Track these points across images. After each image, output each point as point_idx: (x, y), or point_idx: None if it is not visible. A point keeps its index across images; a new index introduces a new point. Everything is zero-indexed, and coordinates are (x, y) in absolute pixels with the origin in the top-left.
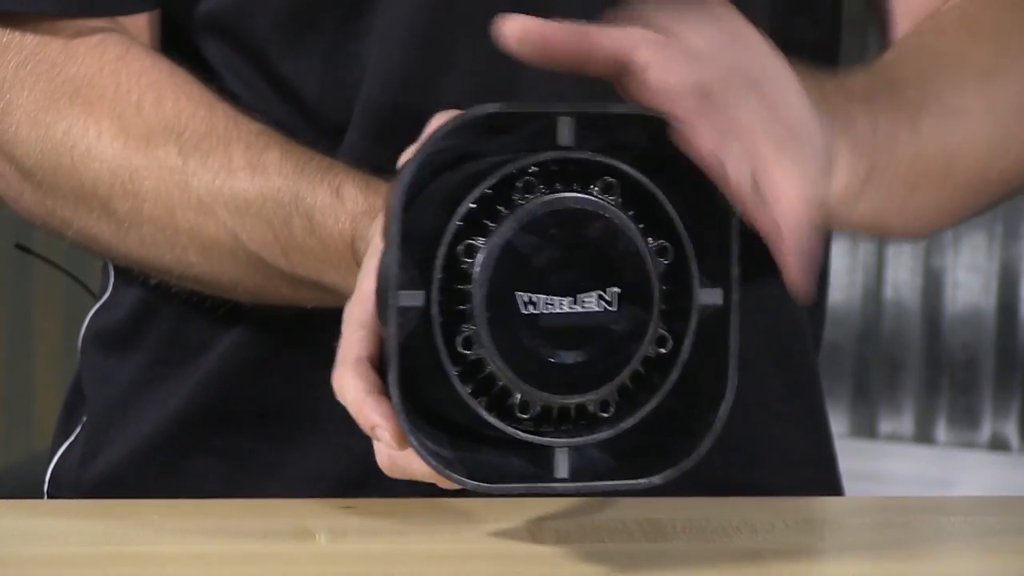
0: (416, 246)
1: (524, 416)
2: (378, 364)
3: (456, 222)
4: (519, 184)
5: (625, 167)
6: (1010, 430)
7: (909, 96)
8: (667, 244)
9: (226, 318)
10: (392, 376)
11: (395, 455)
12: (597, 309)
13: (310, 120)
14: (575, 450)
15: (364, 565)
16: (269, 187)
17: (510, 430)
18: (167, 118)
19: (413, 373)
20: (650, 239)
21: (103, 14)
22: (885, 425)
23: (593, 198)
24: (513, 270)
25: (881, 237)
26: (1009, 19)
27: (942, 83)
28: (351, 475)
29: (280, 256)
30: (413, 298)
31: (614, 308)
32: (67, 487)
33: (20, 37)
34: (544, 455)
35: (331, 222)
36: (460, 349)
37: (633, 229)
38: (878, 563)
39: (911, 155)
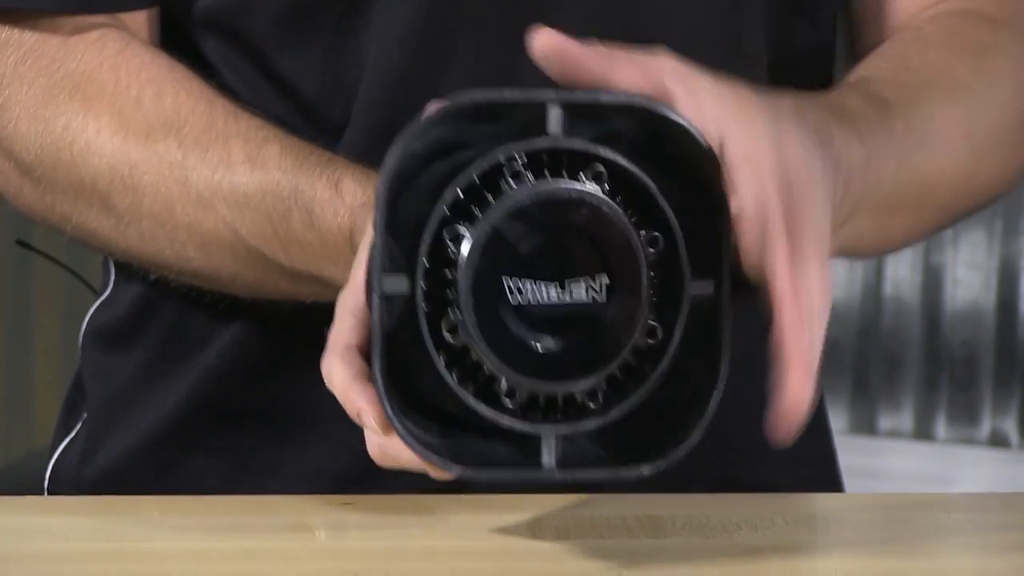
0: (404, 234)
1: (510, 403)
2: (367, 352)
3: (442, 208)
4: (507, 172)
5: (615, 156)
6: (1010, 427)
7: (897, 126)
8: (658, 234)
9: (226, 315)
10: (375, 361)
11: (385, 444)
12: (585, 298)
13: (309, 117)
14: (566, 439)
15: (363, 561)
16: (268, 181)
17: (495, 416)
18: (167, 113)
19: (402, 361)
20: (642, 229)
21: (102, 11)
22: (885, 422)
23: (582, 186)
24: (500, 257)
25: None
26: (990, 38)
27: (927, 108)
28: (351, 472)
29: (279, 250)
30: (398, 284)
31: (602, 297)
32: (67, 483)
33: (19, 34)
34: (532, 444)
35: (330, 216)
36: (445, 335)
37: (623, 218)
38: (878, 560)
39: (894, 184)
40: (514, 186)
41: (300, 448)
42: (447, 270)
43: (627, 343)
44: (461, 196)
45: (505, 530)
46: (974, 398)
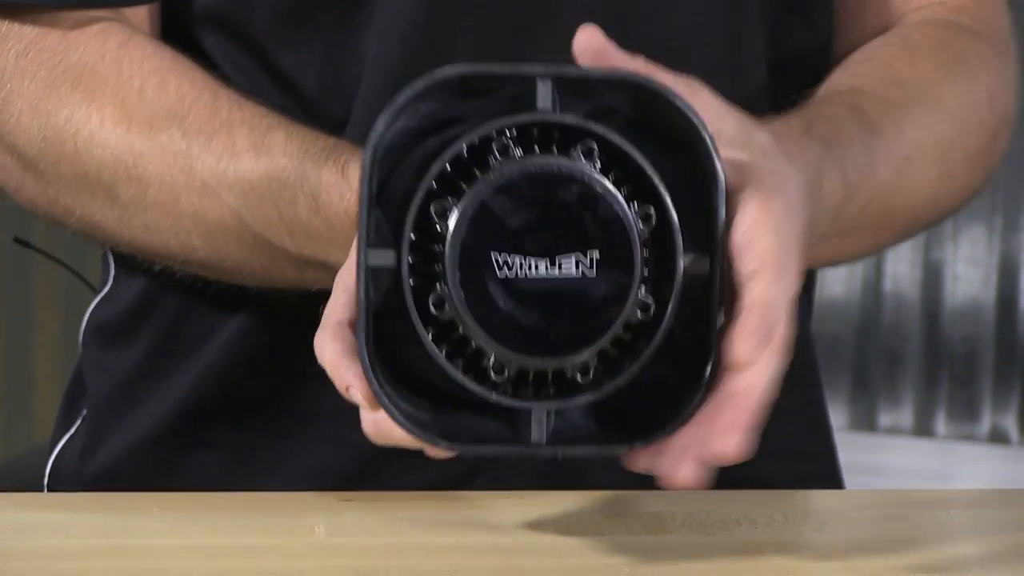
0: (394, 208)
1: (499, 378)
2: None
3: (429, 181)
4: (496, 147)
5: (604, 131)
6: (1010, 423)
7: (879, 159)
8: (651, 209)
9: (226, 311)
10: (361, 335)
11: (378, 420)
12: (575, 273)
13: (310, 113)
14: (558, 415)
15: (363, 558)
16: (274, 168)
17: (482, 392)
18: (170, 103)
19: (393, 337)
20: (635, 204)
21: (103, 6)
22: (885, 418)
23: (571, 161)
24: (488, 232)
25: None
26: (973, 54)
27: (909, 133)
28: (351, 469)
29: (286, 237)
30: (383, 257)
31: (593, 272)
32: (67, 480)
33: (19, 27)
34: (523, 419)
35: (336, 201)
36: (432, 309)
37: (613, 193)
38: (878, 556)
39: (859, 212)
40: (502, 161)
41: (300, 445)
42: (436, 245)
43: (617, 318)
44: (449, 170)
45: (505, 527)
46: (974, 394)
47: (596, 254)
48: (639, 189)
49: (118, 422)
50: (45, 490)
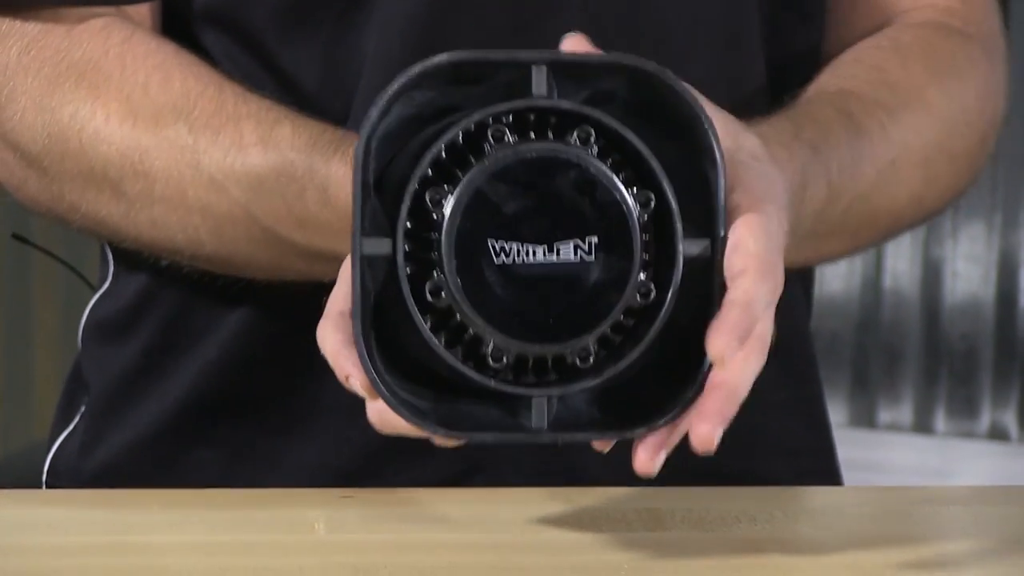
0: (390, 197)
1: (497, 365)
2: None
3: (423, 169)
4: (491, 134)
5: (600, 116)
6: (1009, 420)
7: (865, 162)
8: (650, 193)
9: (226, 307)
10: (357, 324)
11: (382, 410)
12: (574, 258)
13: (309, 110)
14: (561, 401)
15: (363, 555)
16: (282, 162)
17: (481, 379)
18: (175, 98)
19: (395, 325)
20: (633, 188)
21: (106, 3)
22: (884, 415)
23: (567, 147)
24: (485, 218)
25: None
26: (963, 57)
27: (897, 137)
28: (351, 466)
29: (295, 230)
30: (379, 246)
31: (592, 257)
32: (66, 476)
33: (21, 24)
34: (524, 406)
35: (346, 193)
36: (428, 296)
37: (611, 178)
38: (877, 553)
39: (841, 216)
40: (496, 148)
41: (300, 441)
42: (432, 232)
43: (617, 304)
44: (444, 158)
45: (505, 524)
46: (973, 391)
47: (595, 239)
48: (638, 173)
49: (117, 419)
50: (43, 487)
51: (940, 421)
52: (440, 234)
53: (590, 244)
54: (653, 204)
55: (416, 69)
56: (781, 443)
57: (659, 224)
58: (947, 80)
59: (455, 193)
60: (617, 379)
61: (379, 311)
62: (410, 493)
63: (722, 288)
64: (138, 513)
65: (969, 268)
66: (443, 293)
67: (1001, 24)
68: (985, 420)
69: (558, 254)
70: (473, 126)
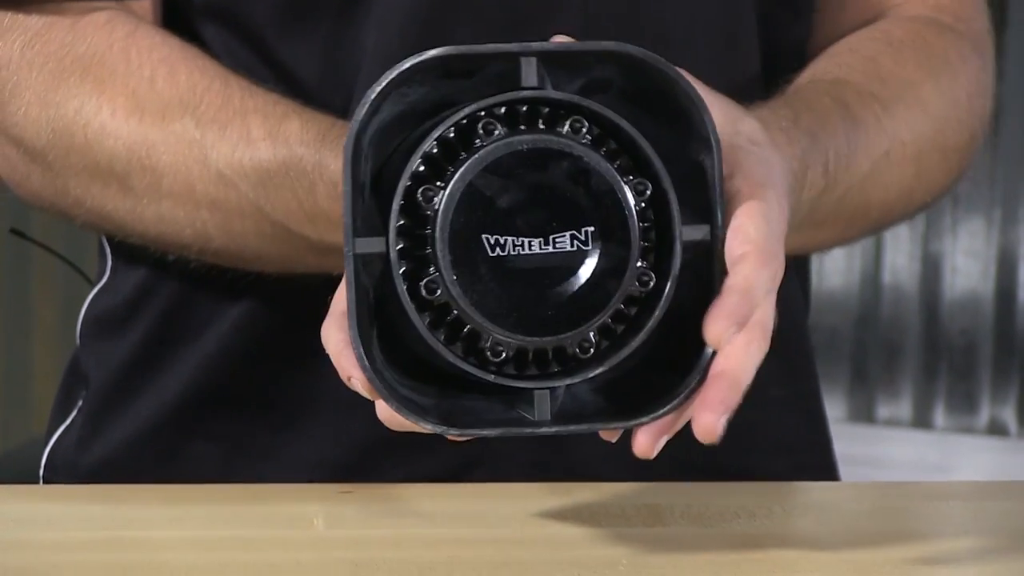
0: (385, 195)
1: (497, 359)
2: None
3: (413, 166)
4: (481, 127)
5: (591, 104)
6: (1008, 415)
7: (860, 155)
8: (646, 181)
9: (225, 301)
10: (352, 325)
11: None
12: (571, 249)
13: (310, 105)
14: (565, 392)
15: (362, 550)
16: (292, 157)
17: (480, 373)
18: (182, 92)
19: (395, 323)
20: (629, 176)
21: None
22: (883, 410)
23: (559, 137)
24: (478, 213)
25: None
26: (955, 53)
27: (890, 130)
28: (350, 460)
29: (306, 224)
30: (373, 244)
31: (589, 248)
32: (64, 471)
33: (24, 18)
34: (527, 399)
35: None
36: (424, 293)
37: (606, 166)
38: (876, 548)
39: (835, 206)
40: (487, 141)
41: (299, 435)
42: (427, 228)
43: (616, 292)
44: (436, 153)
45: (504, 519)
46: (972, 386)
47: (591, 229)
48: (634, 162)
49: (115, 413)
50: (40, 481)
51: (939, 416)
52: (434, 230)
53: (587, 234)
54: (650, 192)
55: (404, 65)
56: (779, 439)
57: (658, 212)
58: (940, 76)
59: (447, 188)
60: (620, 369)
61: (380, 308)
62: (409, 488)
63: (723, 274)
64: (137, 508)
65: (968, 263)
66: (439, 290)
67: (990, 21)
68: (984, 415)
69: (554, 245)
70: (464, 120)
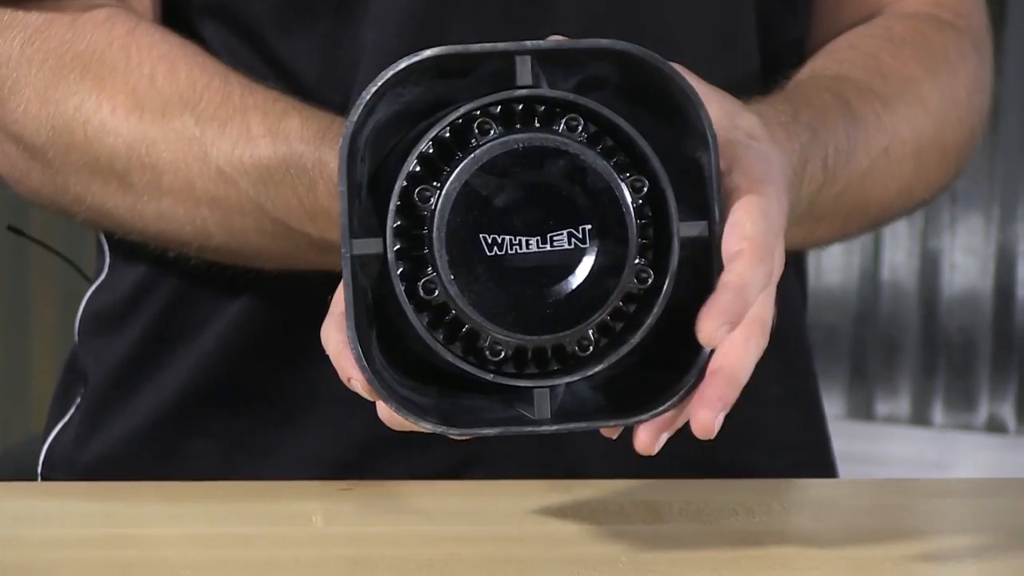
0: (381, 195)
1: (496, 358)
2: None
3: (410, 166)
4: (476, 127)
5: (586, 102)
6: (1007, 412)
7: (859, 151)
8: (643, 178)
9: (224, 298)
10: (350, 326)
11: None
12: (568, 247)
13: (308, 102)
14: (567, 389)
15: (361, 547)
16: (292, 154)
17: (479, 372)
18: (182, 89)
19: (395, 323)
20: (626, 174)
21: None
22: (882, 407)
23: (554, 135)
24: (475, 212)
25: None
26: (954, 49)
27: (890, 128)
28: (348, 457)
29: (307, 221)
30: (370, 245)
31: (587, 246)
32: (62, 468)
33: (24, 15)
34: (527, 397)
35: None
36: (422, 294)
37: (602, 164)
38: (875, 545)
39: (834, 202)
40: (483, 140)
41: (298, 432)
42: (424, 229)
43: (615, 290)
44: (432, 153)
45: (503, 516)
46: (971, 384)
47: (588, 227)
48: (631, 159)
49: (114, 410)
50: (39, 478)
51: (938, 413)
52: (431, 230)
53: (584, 232)
54: (647, 188)
55: (399, 66)
56: (777, 436)
57: (656, 208)
58: (939, 73)
59: (443, 188)
60: (620, 366)
61: (379, 308)
62: (408, 486)
63: (721, 271)
64: (135, 505)
65: (967, 260)
66: (437, 290)
67: (988, 18)
68: (983, 412)
69: (552, 244)
70: (460, 120)
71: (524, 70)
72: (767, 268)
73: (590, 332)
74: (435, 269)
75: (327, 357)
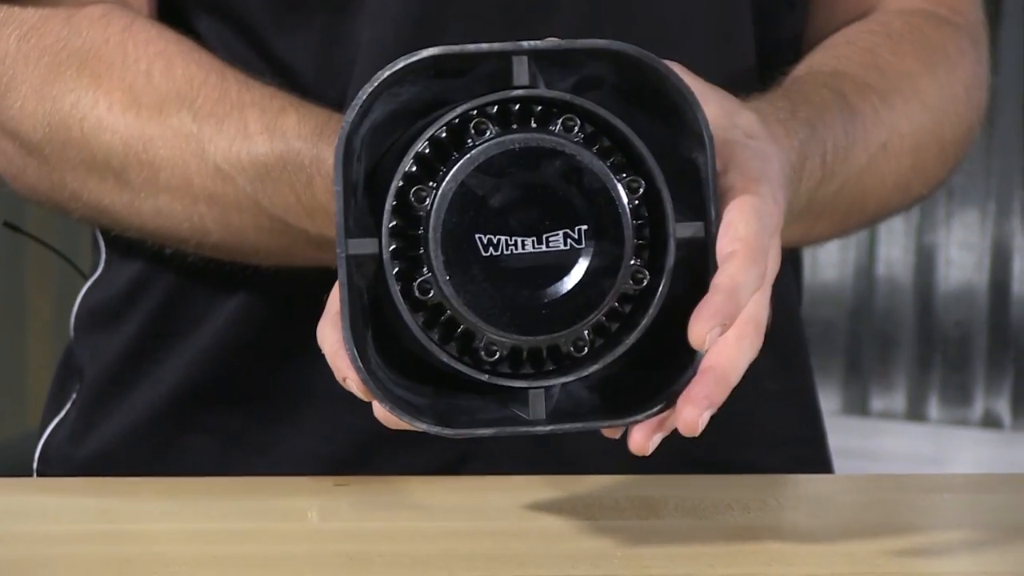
0: (377, 195)
1: (491, 358)
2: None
3: (406, 166)
4: (473, 127)
5: (583, 102)
6: (1002, 407)
7: (857, 147)
8: (639, 178)
9: (220, 294)
10: (346, 326)
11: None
12: (564, 248)
13: (304, 98)
14: (562, 389)
15: (357, 543)
16: (289, 151)
17: (474, 373)
18: (179, 85)
19: (391, 323)
20: (623, 174)
21: None
22: (877, 402)
23: (551, 136)
24: (471, 212)
25: None
26: (953, 46)
27: (888, 123)
28: (345, 453)
29: (304, 218)
30: (366, 245)
31: (582, 246)
32: (57, 464)
33: (20, 11)
34: (522, 397)
35: None
36: (417, 294)
37: (598, 164)
38: (870, 540)
39: (832, 198)
40: (479, 141)
41: (294, 429)
42: (420, 229)
43: (610, 290)
44: (428, 153)
45: (498, 512)
46: (967, 379)
47: (584, 228)
48: (628, 159)
49: (109, 406)
50: (34, 474)
51: (933, 409)
52: (426, 230)
53: (580, 233)
54: (643, 189)
55: (396, 66)
56: (773, 432)
57: (652, 209)
58: (938, 69)
59: (439, 188)
60: (615, 366)
61: (375, 308)
62: (403, 481)
63: (717, 271)
64: (132, 501)
65: (962, 255)
66: (432, 290)
67: (984, 14)
68: (978, 408)
69: (548, 244)
70: (456, 120)
71: (521, 70)
72: (760, 269)
73: (585, 332)
74: (431, 269)
75: (321, 353)
